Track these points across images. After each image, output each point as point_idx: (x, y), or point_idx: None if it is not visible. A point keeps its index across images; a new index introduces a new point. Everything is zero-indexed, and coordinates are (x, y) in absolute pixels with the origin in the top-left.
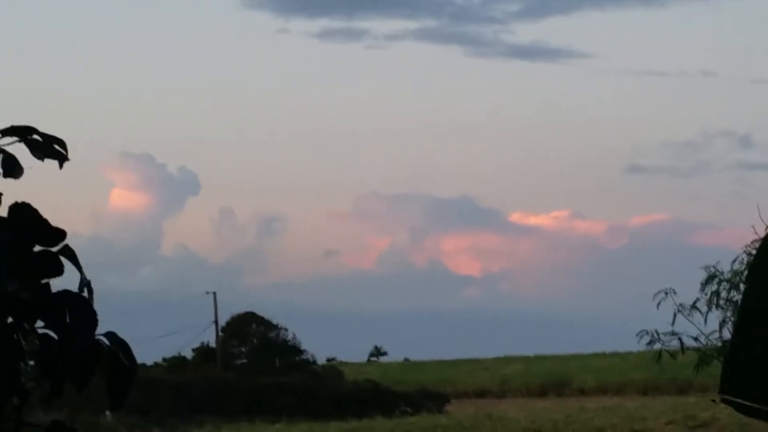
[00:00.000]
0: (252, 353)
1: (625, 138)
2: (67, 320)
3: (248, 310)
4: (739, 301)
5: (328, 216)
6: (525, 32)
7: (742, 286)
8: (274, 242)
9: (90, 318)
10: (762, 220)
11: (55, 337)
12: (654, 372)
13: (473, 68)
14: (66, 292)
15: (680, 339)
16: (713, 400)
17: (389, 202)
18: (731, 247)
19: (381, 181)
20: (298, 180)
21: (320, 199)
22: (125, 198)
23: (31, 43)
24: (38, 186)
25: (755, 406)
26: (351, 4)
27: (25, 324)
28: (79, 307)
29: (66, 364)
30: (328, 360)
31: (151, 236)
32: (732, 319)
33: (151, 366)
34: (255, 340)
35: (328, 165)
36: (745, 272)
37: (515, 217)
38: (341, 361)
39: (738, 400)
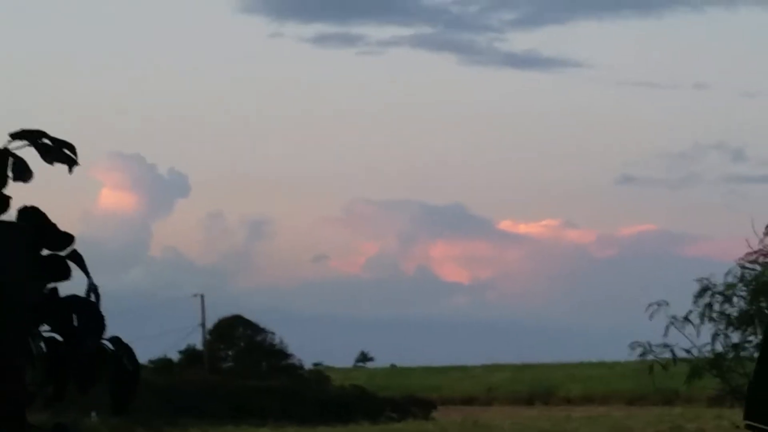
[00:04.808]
0: (238, 356)
1: (617, 148)
2: (74, 324)
3: (236, 313)
4: (733, 314)
5: (318, 220)
6: (519, 41)
7: (735, 299)
8: (263, 246)
9: (98, 323)
10: (755, 234)
11: (61, 340)
12: (640, 382)
13: (466, 76)
14: (74, 297)
15: (672, 351)
16: (737, 426)
17: (379, 208)
18: (721, 259)
19: (372, 187)
20: (289, 184)
21: (311, 203)
22: (114, 199)
23: (21, 42)
24: (27, 186)
25: None
26: (346, 10)
27: (32, 328)
28: (86, 311)
29: (71, 368)
30: (315, 364)
31: (140, 237)
32: (724, 332)
33: None
34: (242, 344)
35: (319, 170)
36: (739, 285)
37: (505, 225)
38: (327, 366)
39: (763, 426)
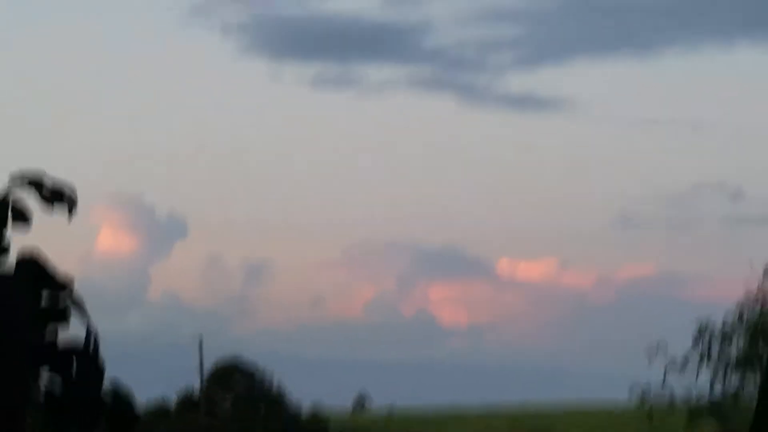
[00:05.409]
0: (236, 400)
1: (615, 189)
2: (74, 367)
3: (234, 356)
4: (731, 355)
5: (316, 264)
6: (518, 81)
7: (733, 340)
8: (262, 289)
9: (97, 367)
10: (754, 274)
11: (61, 383)
12: (641, 427)
13: (464, 117)
14: (74, 341)
15: (671, 394)
16: None
17: (377, 251)
18: (720, 299)
19: (370, 230)
20: (287, 227)
21: (309, 246)
22: (113, 241)
23: (22, 82)
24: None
25: None
26: (346, 51)
27: (32, 372)
28: (86, 356)
29: (72, 411)
30: (313, 407)
31: (139, 280)
32: (723, 373)
33: None
34: (240, 387)
35: (316, 213)
36: (737, 327)
37: (503, 267)
38: (326, 409)
39: None
